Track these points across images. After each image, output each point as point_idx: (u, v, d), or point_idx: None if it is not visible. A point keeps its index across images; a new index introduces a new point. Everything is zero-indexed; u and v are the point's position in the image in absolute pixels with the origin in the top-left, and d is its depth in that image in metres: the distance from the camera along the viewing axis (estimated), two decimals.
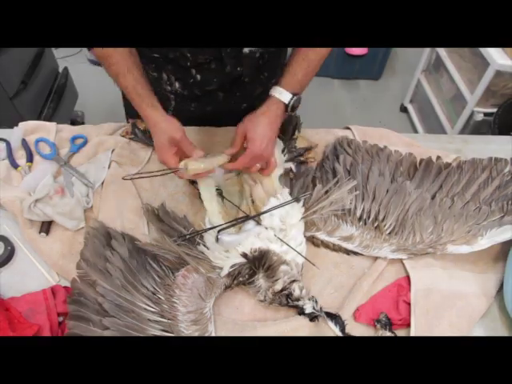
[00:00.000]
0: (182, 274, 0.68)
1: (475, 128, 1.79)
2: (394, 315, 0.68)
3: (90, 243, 0.72)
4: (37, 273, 0.73)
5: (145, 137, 0.94)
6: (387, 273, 0.74)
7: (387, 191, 0.81)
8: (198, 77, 0.87)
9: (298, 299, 0.67)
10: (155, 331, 0.63)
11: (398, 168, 0.86)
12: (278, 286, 0.67)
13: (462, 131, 1.85)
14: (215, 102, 0.94)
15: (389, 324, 0.66)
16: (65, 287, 0.71)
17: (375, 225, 0.78)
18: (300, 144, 0.92)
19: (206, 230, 0.74)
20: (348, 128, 0.99)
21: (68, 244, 0.77)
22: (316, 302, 0.67)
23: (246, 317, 0.69)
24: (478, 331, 0.68)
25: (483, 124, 1.76)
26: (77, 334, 0.63)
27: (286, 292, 0.67)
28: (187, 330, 0.64)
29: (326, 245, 0.78)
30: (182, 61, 0.84)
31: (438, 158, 0.88)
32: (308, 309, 0.66)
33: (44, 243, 0.76)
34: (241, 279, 0.69)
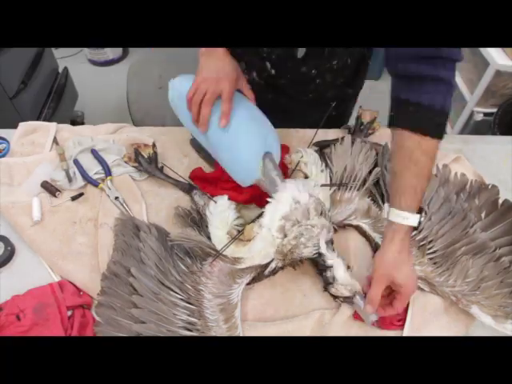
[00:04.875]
0: (210, 264, 0.70)
1: (475, 128, 1.79)
2: (392, 315, 0.68)
3: (120, 235, 0.74)
4: (37, 273, 0.73)
5: (150, 167, 0.87)
6: None
7: (449, 213, 0.75)
8: (273, 71, 0.87)
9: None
10: (182, 316, 0.64)
11: (472, 199, 0.78)
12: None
13: (462, 131, 1.85)
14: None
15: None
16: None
17: (421, 243, 0.72)
18: (364, 118, 0.96)
19: (228, 245, 0.70)
20: (348, 127, 0.99)
21: (68, 244, 0.77)
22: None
23: (246, 317, 0.69)
24: (478, 331, 0.68)
25: (483, 124, 1.76)
26: (105, 310, 0.66)
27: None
28: (213, 315, 0.65)
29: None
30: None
31: None
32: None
33: (44, 244, 0.76)
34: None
